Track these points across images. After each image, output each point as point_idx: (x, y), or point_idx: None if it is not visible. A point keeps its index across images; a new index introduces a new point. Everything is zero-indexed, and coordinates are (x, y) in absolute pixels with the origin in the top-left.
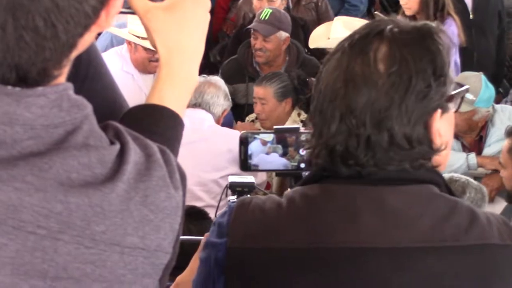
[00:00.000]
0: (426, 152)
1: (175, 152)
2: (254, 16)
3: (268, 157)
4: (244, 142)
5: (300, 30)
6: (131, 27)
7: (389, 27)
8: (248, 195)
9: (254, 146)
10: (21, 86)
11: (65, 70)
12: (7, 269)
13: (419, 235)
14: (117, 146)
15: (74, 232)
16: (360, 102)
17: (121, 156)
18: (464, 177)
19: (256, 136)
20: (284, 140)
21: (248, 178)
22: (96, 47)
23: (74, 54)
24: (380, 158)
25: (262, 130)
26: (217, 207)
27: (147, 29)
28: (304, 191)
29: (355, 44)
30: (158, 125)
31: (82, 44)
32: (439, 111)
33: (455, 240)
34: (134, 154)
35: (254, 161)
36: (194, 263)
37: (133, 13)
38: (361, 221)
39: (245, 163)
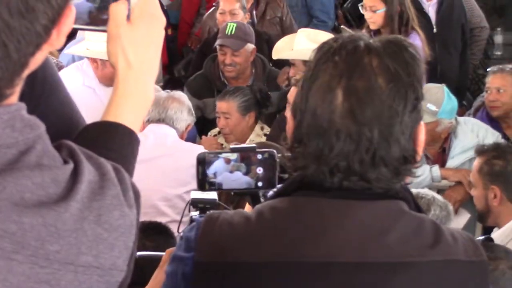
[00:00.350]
0: (412, 167)
1: (132, 168)
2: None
3: (231, 176)
4: (201, 162)
5: (265, 44)
6: (89, 45)
7: (370, 40)
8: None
9: (218, 165)
10: None
11: (17, 89)
12: None
13: (386, 250)
14: (70, 166)
15: (28, 252)
16: (367, 117)
17: (75, 175)
18: (430, 194)
19: (219, 155)
20: (248, 158)
21: (210, 194)
22: (52, 64)
23: (26, 72)
24: (381, 172)
25: (223, 148)
26: (180, 222)
27: (112, 43)
28: (273, 204)
29: (347, 59)
30: (114, 142)
31: (34, 63)
32: (422, 123)
33: (421, 255)
34: (88, 173)
35: (218, 179)
36: (156, 280)
37: (103, 30)
38: (330, 235)
39: (202, 183)
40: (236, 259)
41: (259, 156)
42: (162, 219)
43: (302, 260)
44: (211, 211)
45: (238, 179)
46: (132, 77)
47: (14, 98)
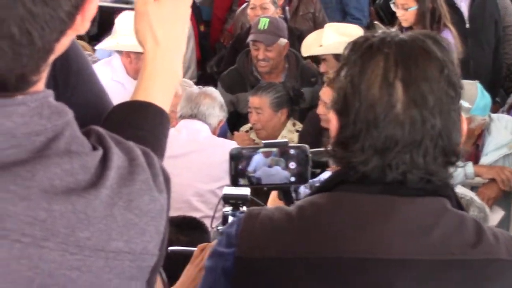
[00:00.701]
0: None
1: (163, 148)
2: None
3: (271, 170)
4: (234, 158)
5: (296, 40)
6: (120, 39)
7: (409, 33)
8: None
9: (256, 159)
10: (1, 95)
11: (44, 75)
12: None
13: (428, 247)
14: (99, 152)
15: (58, 239)
16: (430, 106)
17: (104, 161)
18: (469, 195)
19: (257, 150)
20: (286, 152)
21: (242, 190)
22: (85, 56)
23: (52, 58)
24: (440, 164)
25: (255, 143)
26: (212, 218)
27: (139, 21)
28: (314, 200)
29: (398, 51)
30: (145, 122)
31: (59, 49)
32: (461, 113)
33: (463, 254)
34: (117, 159)
35: (257, 174)
36: (187, 275)
37: (130, 8)
38: (372, 231)
39: (235, 178)
40: (277, 255)
41: (292, 151)
42: (195, 215)
43: (343, 256)
44: (252, 208)
45: (277, 174)
46: (160, 55)
47: (41, 84)
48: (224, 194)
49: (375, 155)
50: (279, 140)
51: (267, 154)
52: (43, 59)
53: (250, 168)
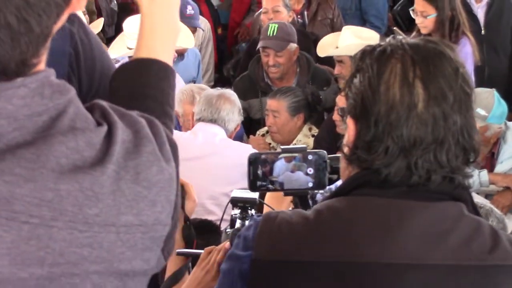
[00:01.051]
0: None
1: (172, 101)
2: None
3: (293, 175)
4: (252, 162)
5: (312, 45)
6: (129, 43)
7: (419, 38)
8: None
9: (279, 164)
10: (1, 79)
11: (44, 57)
12: (4, 260)
13: (446, 252)
14: (104, 128)
15: (66, 218)
16: (450, 102)
17: (109, 136)
18: (488, 205)
19: (279, 155)
20: (306, 157)
21: (251, 193)
22: (108, 55)
23: (50, 40)
24: (461, 161)
25: (271, 147)
26: (221, 220)
27: None
28: (331, 204)
29: (413, 51)
30: (151, 78)
31: (57, 28)
32: None
33: (480, 259)
34: (122, 132)
35: (279, 179)
36: (193, 277)
37: None
38: (387, 236)
39: (253, 184)
40: (295, 259)
41: (310, 157)
42: (209, 218)
43: (359, 260)
44: (269, 211)
45: (298, 179)
46: (156, 10)
47: (41, 65)
48: (232, 197)
49: (400, 156)
50: (297, 145)
51: (288, 159)
52: (42, 43)
53: (274, 173)
